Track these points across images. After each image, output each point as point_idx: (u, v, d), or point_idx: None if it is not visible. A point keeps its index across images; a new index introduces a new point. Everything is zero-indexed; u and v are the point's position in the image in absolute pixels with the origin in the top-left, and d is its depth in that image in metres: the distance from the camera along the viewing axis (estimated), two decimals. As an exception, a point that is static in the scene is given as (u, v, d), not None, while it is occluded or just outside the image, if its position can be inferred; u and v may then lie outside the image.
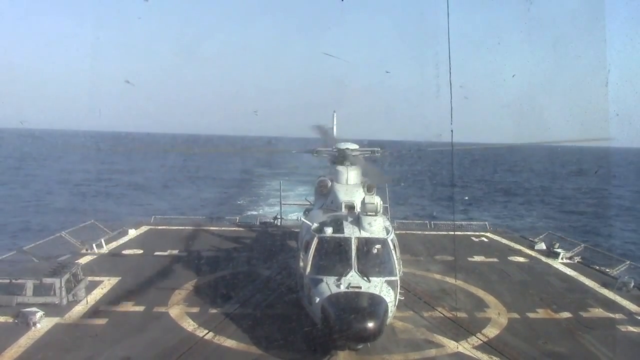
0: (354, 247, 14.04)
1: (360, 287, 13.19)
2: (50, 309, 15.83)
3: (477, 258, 24.73)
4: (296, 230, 30.47)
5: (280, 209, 20.67)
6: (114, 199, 65.81)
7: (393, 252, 14.73)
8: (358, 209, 16.48)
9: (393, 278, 14.12)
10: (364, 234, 14.48)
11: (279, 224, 31.86)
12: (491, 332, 15.62)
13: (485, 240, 29.08)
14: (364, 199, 16.11)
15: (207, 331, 14.91)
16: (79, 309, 16.39)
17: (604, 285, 20.65)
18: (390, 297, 13.39)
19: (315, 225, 15.40)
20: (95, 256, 22.68)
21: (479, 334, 15.35)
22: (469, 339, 14.96)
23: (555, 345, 14.86)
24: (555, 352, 14.47)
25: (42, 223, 46.84)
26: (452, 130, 13.48)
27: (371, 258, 14.17)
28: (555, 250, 25.54)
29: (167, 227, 29.43)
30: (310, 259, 14.31)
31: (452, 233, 29.32)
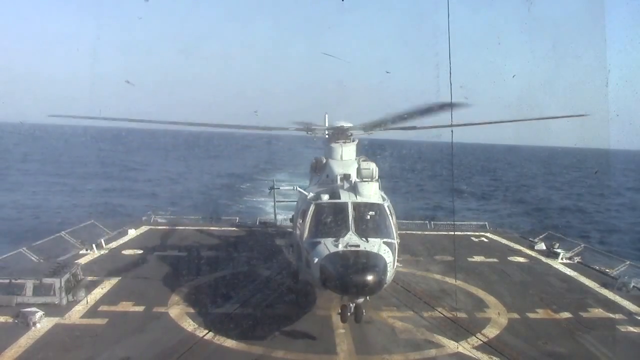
0: (350, 211, 14.07)
1: (359, 246, 13.13)
2: (50, 309, 15.83)
3: (477, 258, 24.72)
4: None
5: (275, 206, 20.27)
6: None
7: (390, 217, 14.84)
8: (353, 179, 16.37)
9: (391, 240, 14.16)
10: (360, 199, 14.58)
11: (278, 223, 31.90)
12: (491, 332, 15.62)
13: (485, 240, 29.07)
14: (359, 165, 16.20)
15: (207, 331, 14.91)
16: (79, 309, 16.38)
17: (604, 285, 20.65)
18: (388, 257, 13.33)
19: (312, 194, 15.50)
20: (95, 256, 22.67)
21: (479, 334, 15.36)
22: (469, 339, 14.96)
23: (555, 346, 14.87)
24: (555, 352, 14.47)
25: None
26: (452, 131, 13.52)
27: (368, 221, 14.21)
28: (555, 250, 25.55)
29: (167, 227, 29.42)
30: (308, 224, 14.40)
31: (452, 233, 29.33)
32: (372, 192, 14.93)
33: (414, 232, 30.31)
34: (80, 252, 22.99)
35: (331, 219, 14.24)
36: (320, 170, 18.04)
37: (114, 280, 19.22)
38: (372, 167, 15.96)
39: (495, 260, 24.57)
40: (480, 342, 14.80)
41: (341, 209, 14.30)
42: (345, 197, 14.70)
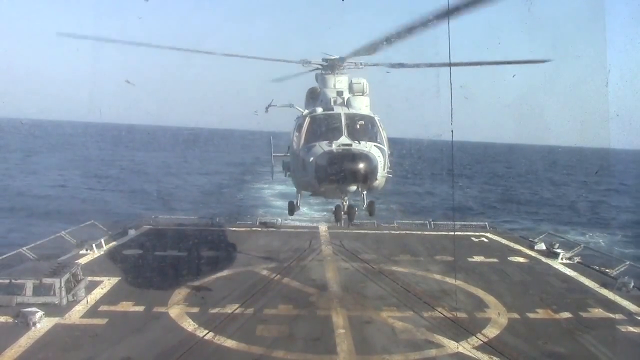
0: (343, 120, 14.94)
1: (351, 145, 14.07)
2: (50, 309, 15.83)
3: (477, 258, 24.72)
4: (295, 230, 30.59)
5: (272, 163, 20.27)
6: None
7: (380, 129, 15.65)
8: (346, 96, 17.06)
9: (381, 146, 15.02)
10: (353, 111, 15.60)
11: (278, 223, 31.91)
12: (491, 332, 15.62)
13: (485, 240, 29.07)
14: (351, 81, 16.89)
15: (207, 331, 14.92)
16: (79, 309, 16.39)
17: (604, 285, 20.64)
18: (379, 157, 14.22)
19: (307, 110, 16.37)
20: (95, 256, 22.67)
21: (479, 334, 15.36)
22: (469, 339, 14.96)
23: (555, 346, 14.87)
24: (555, 352, 14.48)
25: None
26: (452, 130, 13.50)
27: (360, 128, 15.08)
28: (555, 250, 25.54)
29: (167, 227, 29.41)
30: (304, 134, 15.28)
31: (452, 233, 29.33)
32: (363, 105, 15.98)
33: (414, 232, 30.33)
34: (80, 252, 22.98)
35: (325, 127, 15.07)
36: (315, 98, 18.56)
37: (114, 280, 19.22)
38: (362, 82, 16.74)
39: (495, 260, 24.57)
40: (480, 342, 14.80)
41: (335, 118, 15.17)
42: (339, 110, 15.63)
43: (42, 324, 14.99)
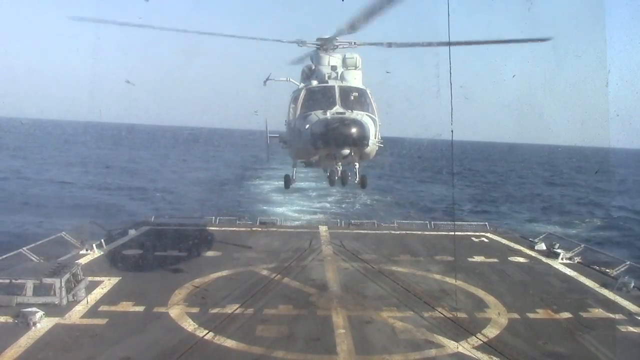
0: (337, 92, 15.84)
1: (344, 113, 14.96)
2: (50, 309, 15.83)
3: (477, 258, 24.72)
4: (295, 230, 30.60)
5: (267, 143, 20.75)
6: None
7: (372, 100, 16.51)
8: (340, 71, 17.79)
9: (373, 116, 15.90)
10: (346, 84, 16.50)
11: (279, 223, 31.91)
12: (491, 332, 15.62)
13: (485, 240, 29.07)
14: (344, 56, 17.52)
15: (207, 331, 14.91)
16: (79, 309, 16.39)
17: (604, 285, 20.64)
18: (371, 127, 15.04)
19: (303, 84, 17.40)
20: (95, 256, 22.68)
21: (479, 334, 15.35)
22: (469, 339, 14.96)
23: (555, 346, 14.87)
24: (555, 352, 14.48)
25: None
26: (452, 130, 13.51)
27: (353, 100, 15.90)
28: (555, 250, 25.54)
29: (167, 227, 29.42)
30: (300, 105, 16.24)
31: (452, 233, 29.32)
32: (356, 78, 16.93)
33: (414, 232, 30.33)
34: (80, 252, 22.99)
35: (320, 98, 15.97)
36: (310, 75, 19.05)
37: (114, 280, 19.22)
38: (355, 57, 17.41)
39: (495, 260, 24.57)
40: (480, 342, 14.80)
41: (329, 90, 16.06)
42: (333, 83, 16.52)
43: (42, 324, 14.98)
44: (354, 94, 16.00)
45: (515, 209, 69.52)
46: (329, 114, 14.87)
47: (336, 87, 16.00)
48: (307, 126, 14.92)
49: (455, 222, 36.13)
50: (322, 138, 14.35)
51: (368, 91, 16.67)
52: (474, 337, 15.14)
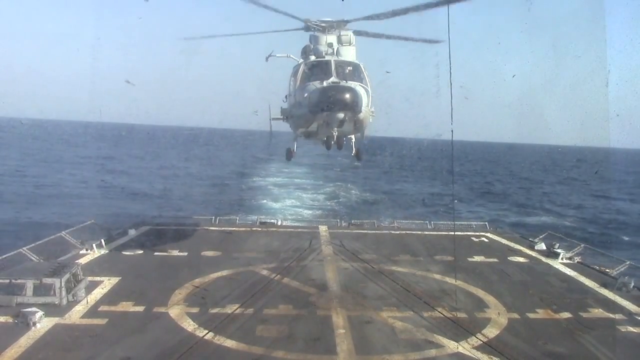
0: (333, 65, 17.16)
1: (339, 83, 16.36)
2: (50, 309, 15.83)
3: (477, 258, 24.72)
4: (295, 230, 30.59)
5: (270, 125, 22.11)
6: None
7: (365, 73, 17.73)
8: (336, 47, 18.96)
9: (366, 87, 17.12)
10: (341, 58, 17.85)
11: (278, 223, 31.92)
12: (491, 332, 15.62)
13: (485, 240, 29.07)
14: (339, 33, 18.68)
15: (207, 331, 14.92)
16: (79, 309, 16.39)
17: (604, 285, 20.65)
18: (364, 95, 16.31)
19: (302, 60, 18.74)
20: (95, 256, 22.67)
21: (479, 334, 15.36)
22: (469, 339, 14.97)
23: (555, 346, 14.87)
24: (555, 352, 14.48)
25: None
26: (452, 130, 13.54)
27: (347, 72, 17.23)
28: (555, 250, 25.54)
29: (167, 227, 29.41)
30: (299, 78, 17.71)
31: (452, 233, 29.31)
32: (350, 54, 18.24)
33: (414, 232, 30.34)
34: (80, 252, 22.99)
35: (317, 71, 17.33)
36: (309, 52, 19.75)
37: (114, 280, 19.22)
38: (349, 34, 18.61)
39: (495, 260, 24.57)
40: (480, 342, 14.80)
41: (326, 63, 17.41)
42: (329, 57, 17.88)
43: (42, 324, 14.98)
44: (348, 67, 17.38)
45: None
46: (325, 84, 16.27)
47: (332, 61, 17.37)
48: (306, 95, 16.43)
49: (455, 222, 36.12)
50: (319, 104, 15.71)
51: (362, 65, 17.99)
52: (474, 337, 15.15)
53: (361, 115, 16.34)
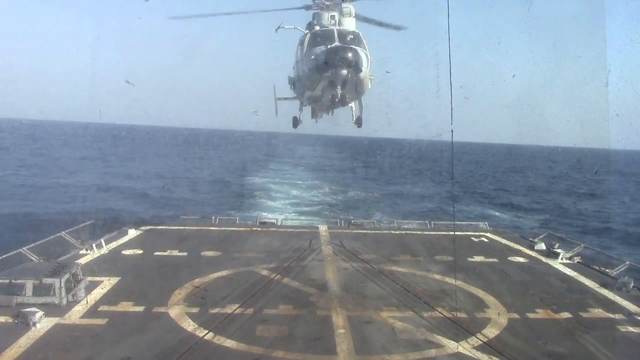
0: (336, 33, 18.84)
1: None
2: (50, 309, 15.83)
3: (477, 258, 24.72)
4: (295, 230, 30.59)
5: (275, 102, 23.98)
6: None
7: (364, 42, 19.30)
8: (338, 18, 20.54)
9: (366, 52, 18.76)
10: (343, 28, 19.58)
11: (278, 223, 31.93)
12: (491, 332, 15.62)
13: (485, 240, 29.07)
14: (341, 6, 20.18)
15: (207, 331, 14.91)
16: (79, 309, 16.38)
17: (604, 285, 20.64)
18: (364, 57, 18.15)
19: (307, 30, 20.17)
20: (95, 256, 22.67)
21: (479, 334, 15.35)
22: (469, 339, 14.96)
23: (555, 346, 14.86)
24: (555, 352, 14.47)
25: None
26: (452, 130, 13.52)
27: (349, 39, 18.80)
28: (555, 250, 25.51)
29: (167, 227, 29.41)
30: (306, 45, 19.33)
31: (452, 233, 29.32)
32: (351, 24, 20.02)
33: (414, 232, 30.34)
34: (80, 252, 22.98)
35: (322, 39, 18.93)
36: (314, 25, 21.02)
37: (114, 280, 19.22)
38: (350, 6, 20.13)
39: (495, 260, 24.56)
40: (480, 342, 14.79)
41: (329, 32, 19.09)
42: (332, 27, 19.50)
43: (42, 324, 14.97)
44: (349, 35, 19.07)
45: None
46: (329, 47, 18.02)
47: (335, 30, 19.11)
48: (313, 57, 18.30)
49: (455, 222, 36.13)
50: (324, 62, 17.52)
51: (361, 34, 19.73)
52: (473, 337, 15.14)
53: (362, 75, 18.06)
